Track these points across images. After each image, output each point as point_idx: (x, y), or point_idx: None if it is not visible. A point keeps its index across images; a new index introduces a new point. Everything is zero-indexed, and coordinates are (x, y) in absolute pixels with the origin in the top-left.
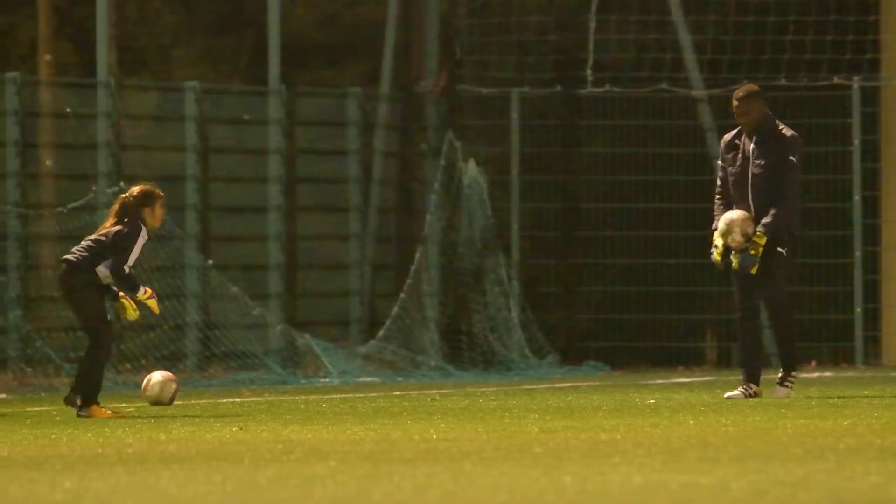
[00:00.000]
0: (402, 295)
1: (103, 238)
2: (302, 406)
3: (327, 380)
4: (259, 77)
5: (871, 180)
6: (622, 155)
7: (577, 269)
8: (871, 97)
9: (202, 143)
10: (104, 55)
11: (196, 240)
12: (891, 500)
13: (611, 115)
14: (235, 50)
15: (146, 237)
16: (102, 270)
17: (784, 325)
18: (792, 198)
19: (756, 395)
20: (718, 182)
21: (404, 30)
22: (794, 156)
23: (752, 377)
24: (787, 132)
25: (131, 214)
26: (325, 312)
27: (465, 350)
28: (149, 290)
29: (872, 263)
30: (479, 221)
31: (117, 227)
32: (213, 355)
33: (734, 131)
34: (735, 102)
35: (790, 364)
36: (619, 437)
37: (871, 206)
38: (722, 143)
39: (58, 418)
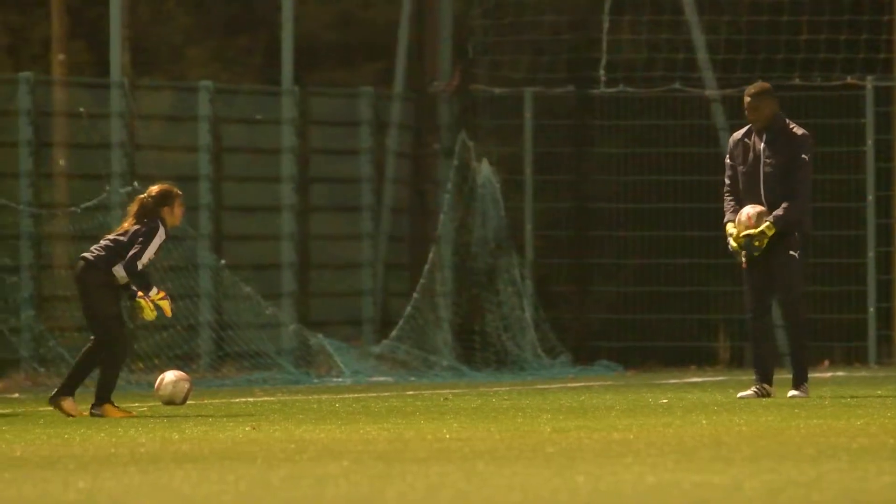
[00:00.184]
0: (415, 295)
1: (121, 238)
2: (315, 406)
3: (340, 379)
4: (272, 77)
5: (885, 180)
6: (635, 155)
7: (590, 268)
8: (884, 97)
9: (215, 142)
10: (117, 55)
11: (209, 239)
12: None
13: (624, 114)
14: (249, 50)
15: (164, 237)
16: (118, 271)
17: (797, 331)
18: (804, 195)
19: (769, 394)
20: (727, 181)
21: (417, 30)
22: (806, 154)
23: (765, 377)
24: (798, 131)
25: (150, 214)
26: (337, 312)
27: (478, 350)
28: (162, 292)
29: (886, 263)
30: (492, 221)
31: (136, 227)
32: (226, 355)
33: (743, 130)
34: (747, 99)
35: (802, 372)
36: (631, 436)
37: (885, 205)
38: (731, 142)
39: (71, 418)
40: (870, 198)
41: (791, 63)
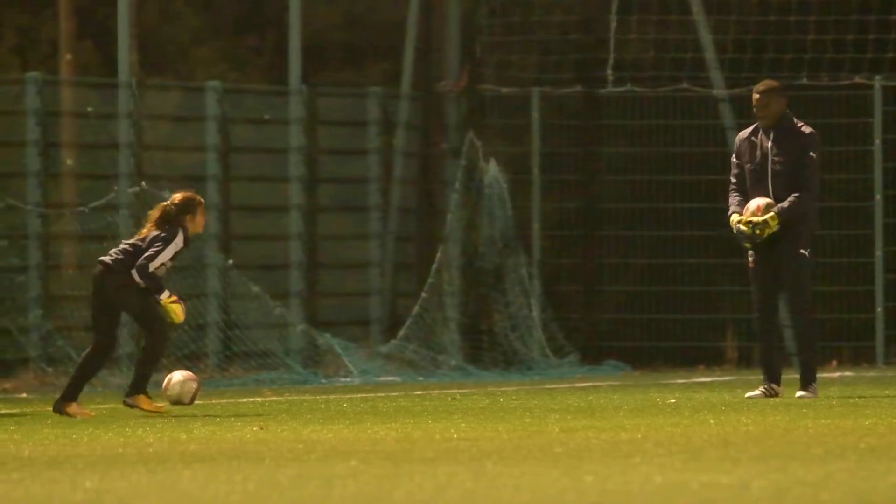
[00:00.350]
0: (422, 294)
1: (140, 242)
2: (322, 405)
3: (348, 379)
4: (280, 77)
5: (893, 179)
6: (643, 154)
7: (598, 268)
8: (892, 96)
9: (223, 142)
10: (125, 55)
11: (217, 239)
12: None
13: (631, 114)
14: (256, 50)
15: (181, 245)
16: (136, 273)
17: (806, 331)
18: (811, 191)
19: (777, 394)
20: (733, 179)
21: (425, 29)
22: (814, 151)
23: (773, 377)
24: (806, 129)
25: (172, 222)
26: (345, 312)
27: (486, 349)
28: (174, 296)
29: (893, 263)
30: (500, 221)
31: (156, 232)
32: (234, 355)
33: (750, 128)
34: (756, 96)
35: (810, 373)
36: (639, 436)
37: (893, 205)
38: (737, 140)
39: (78, 418)
40: (877, 197)
41: (799, 62)
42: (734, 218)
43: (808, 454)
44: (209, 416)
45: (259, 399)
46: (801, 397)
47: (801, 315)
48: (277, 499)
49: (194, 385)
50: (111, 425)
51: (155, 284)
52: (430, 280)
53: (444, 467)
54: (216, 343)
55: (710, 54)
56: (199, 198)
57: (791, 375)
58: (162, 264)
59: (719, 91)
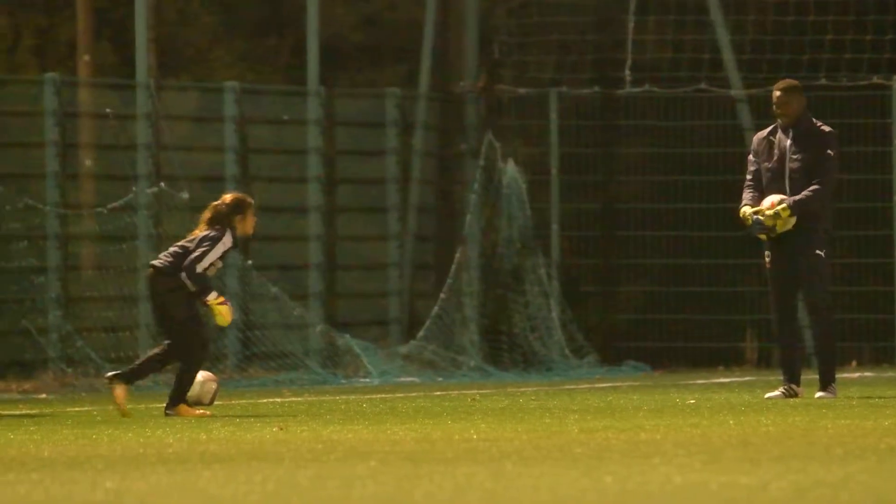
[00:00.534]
0: (441, 295)
1: (189, 244)
2: (342, 406)
3: (367, 380)
4: (298, 78)
5: None
6: (661, 155)
7: (617, 268)
8: None
9: (242, 143)
10: (143, 56)
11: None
12: None
13: (649, 114)
14: (275, 51)
15: (229, 245)
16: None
17: (824, 331)
18: (826, 186)
19: (797, 395)
20: (749, 177)
21: (443, 30)
22: (832, 150)
23: (793, 377)
24: (825, 128)
25: (222, 222)
26: (364, 312)
27: (505, 350)
28: (221, 297)
29: None
30: (519, 221)
31: (205, 233)
32: (254, 355)
33: (768, 129)
34: (777, 93)
35: (829, 373)
36: (659, 437)
37: None
38: (755, 140)
39: (98, 418)
40: None
41: (817, 63)
42: (746, 209)
43: (827, 455)
44: (229, 416)
45: (278, 399)
46: (820, 398)
47: (819, 315)
48: (297, 499)
49: (214, 385)
50: (131, 426)
51: (203, 285)
52: (448, 281)
53: (463, 468)
54: (235, 344)
55: (727, 55)
56: (249, 198)
57: (811, 376)
58: (211, 264)
59: (737, 91)
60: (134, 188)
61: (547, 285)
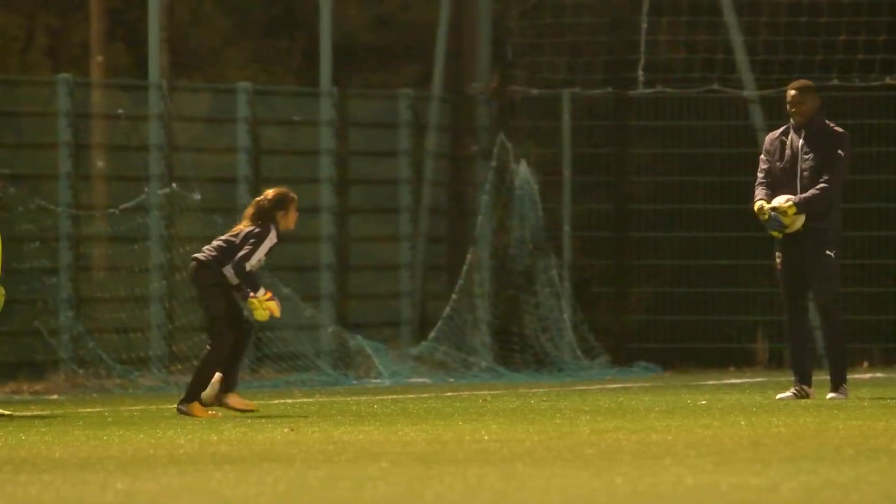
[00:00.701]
0: (453, 296)
1: (233, 239)
2: (353, 407)
3: (379, 381)
4: (311, 78)
5: None
6: (673, 155)
7: (629, 269)
8: None
9: (254, 144)
10: (156, 57)
11: None
12: None
13: (662, 115)
14: (287, 51)
15: (275, 240)
16: (229, 271)
17: (834, 332)
18: (833, 185)
19: (808, 396)
20: (760, 174)
21: (456, 31)
22: (844, 150)
23: (804, 378)
24: (837, 129)
25: (265, 217)
26: (376, 313)
27: (517, 351)
28: (269, 293)
29: None
30: (531, 222)
31: (249, 228)
32: (265, 356)
33: (780, 129)
34: (791, 93)
35: (840, 374)
36: (670, 437)
37: None
38: (767, 139)
39: (110, 420)
40: None
41: (829, 64)
42: (763, 204)
43: (838, 456)
44: (240, 417)
45: (290, 400)
46: (831, 399)
47: (829, 316)
48: (308, 500)
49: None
50: (142, 427)
51: (251, 282)
52: (460, 281)
53: (474, 469)
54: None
55: (740, 55)
56: (292, 194)
57: (822, 377)
58: (259, 260)
59: (750, 92)
60: (146, 189)
61: (558, 286)
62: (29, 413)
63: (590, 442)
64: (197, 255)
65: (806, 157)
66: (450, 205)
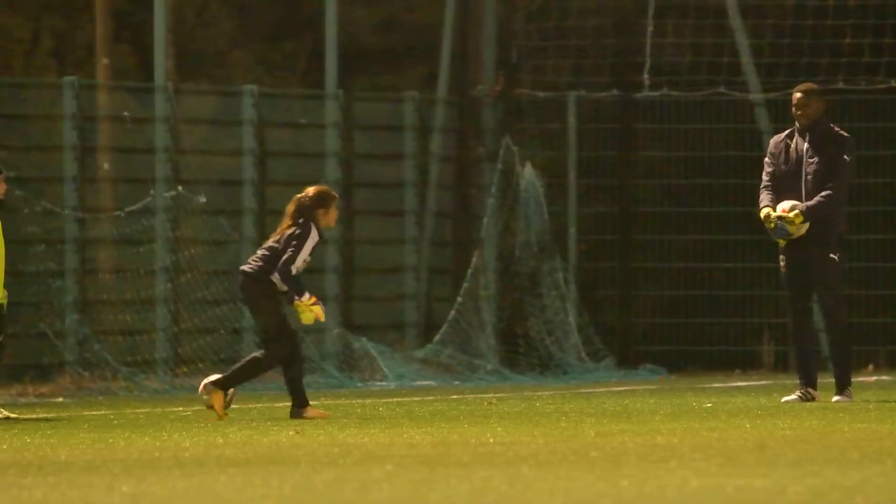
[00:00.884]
0: (458, 299)
1: (276, 244)
2: (358, 409)
3: (384, 383)
4: (316, 81)
5: None
6: (679, 158)
7: (634, 272)
8: None
9: (259, 147)
10: (162, 59)
11: (253, 244)
12: None
13: (668, 118)
14: (293, 54)
15: (317, 238)
16: (277, 277)
17: (839, 334)
18: (838, 190)
19: (813, 398)
20: (765, 177)
21: (461, 34)
22: (848, 155)
23: (810, 381)
24: (842, 133)
25: (305, 215)
26: (381, 316)
27: (522, 354)
28: (314, 297)
29: None
30: (536, 225)
31: (290, 230)
32: None
33: (785, 132)
34: (797, 95)
35: (845, 377)
36: (675, 440)
37: None
38: (771, 143)
39: (115, 422)
40: None
41: (835, 67)
42: (769, 211)
43: (844, 458)
44: (245, 420)
45: None
46: (837, 402)
47: (834, 319)
48: (313, 503)
49: (231, 390)
50: (148, 429)
51: (296, 287)
52: (465, 284)
53: (479, 472)
54: (252, 347)
55: (746, 58)
56: (333, 192)
57: (827, 380)
58: (304, 261)
59: (755, 95)
60: (152, 192)
61: (564, 289)
62: (34, 416)
63: (595, 445)
64: (244, 267)
65: (811, 160)
66: (455, 207)
